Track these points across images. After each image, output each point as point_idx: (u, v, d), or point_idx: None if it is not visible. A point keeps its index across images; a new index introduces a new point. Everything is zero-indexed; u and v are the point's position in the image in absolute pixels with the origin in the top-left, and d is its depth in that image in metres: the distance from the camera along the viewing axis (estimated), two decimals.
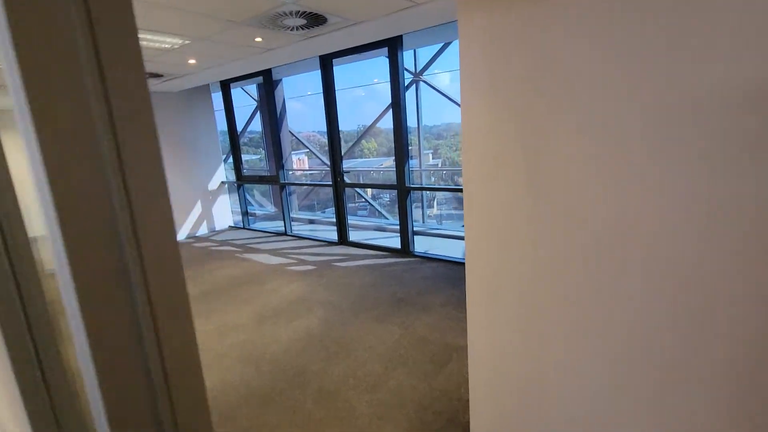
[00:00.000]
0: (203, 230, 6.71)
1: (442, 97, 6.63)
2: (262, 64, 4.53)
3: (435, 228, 6.12)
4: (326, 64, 4.80)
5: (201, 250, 5.64)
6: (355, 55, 4.83)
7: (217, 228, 6.91)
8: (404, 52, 4.30)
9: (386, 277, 4.03)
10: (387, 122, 6.65)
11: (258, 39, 3.25)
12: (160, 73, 4.43)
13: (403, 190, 4.53)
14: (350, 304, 3.45)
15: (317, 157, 8.06)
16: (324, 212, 8.53)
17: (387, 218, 6.90)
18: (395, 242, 4.96)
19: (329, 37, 3.46)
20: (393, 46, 4.14)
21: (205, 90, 6.49)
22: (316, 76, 5.18)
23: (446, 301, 3.39)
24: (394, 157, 4.52)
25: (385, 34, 3.66)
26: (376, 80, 6.92)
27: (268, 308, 3.47)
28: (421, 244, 5.03)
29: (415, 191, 4.68)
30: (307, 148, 8.20)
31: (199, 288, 4.10)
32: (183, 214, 6.40)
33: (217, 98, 6.91)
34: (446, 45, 5.97)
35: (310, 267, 4.52)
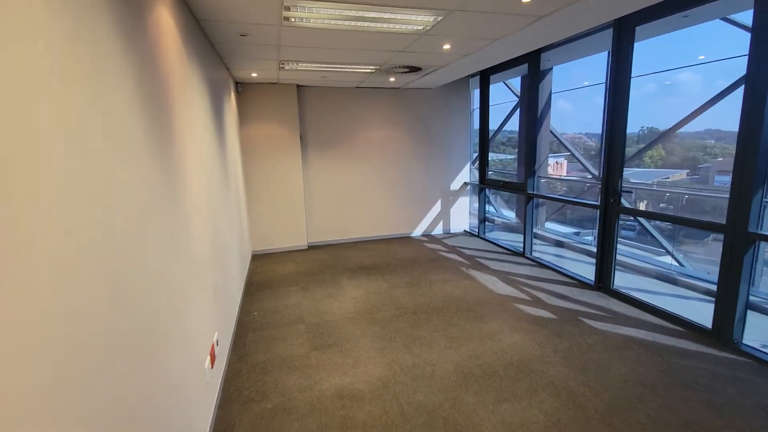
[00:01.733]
0: (438, 230, 6.52)
1: None
2: (529, 43, 3.58)
3: None
4: (624, 32, 3.33)
5: (430, 252, 5.37)
6: (675, 16, 3.15)
7: (452, 230, 6.58)
8: None
9: (678, 378, 2.39)
10: (693, 125, 4.35)
11: None
12: (419, 65, 4.22)
13: (740, 240, 2.62)
14: (604, 409, 2.14)
15: (584, 167, 6.42)
16: (579, 234, 6.81)
17: (681, 264, 4.63)
18: (700, 314, 3.05)
19: None
20: None
21: (463, 86, 6.13)
22: (596, 62, 3.79)
23: None
24: (687, 171, 2.66)
25: None
26: (701, 57, 4.57)
27: (477, 363, 2.62)
28: (756, 330, 2.92)
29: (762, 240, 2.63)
30: (571, 152, 6.65)
31: (415, 301, 3.70)
32: (422, 211, 6.37)
33: (476, 96, 6.44)
34: None
35: (546, 314, 3.35)
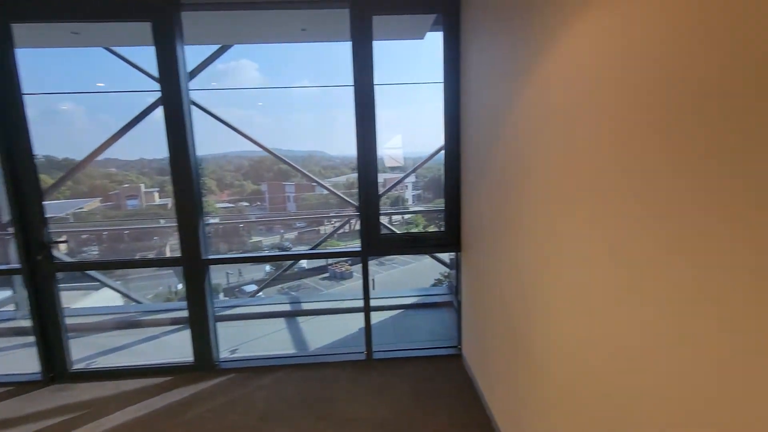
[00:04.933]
0: None
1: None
2: None
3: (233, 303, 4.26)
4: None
5: None
6: (64, 30, 2.67)
7: None
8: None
9: None
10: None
11: None
12: None
13: (196, 265, 2.67)
14: None
15: None
16: None
17: (138, 301, 4.36)
18: (179, 350, 2.93)
19: None
20: None
21: None
22: None
23: None
24: (100, 199, 2.60)
25: None
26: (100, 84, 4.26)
27: None
28: (226, 340, 3.22)
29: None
30: None
31: None
32: None
33: None
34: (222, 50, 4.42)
35: None
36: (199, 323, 2.74)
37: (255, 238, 12.95)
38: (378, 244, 2.72)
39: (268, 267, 11.57)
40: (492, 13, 1.89)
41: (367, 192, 2.65)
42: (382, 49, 2.74)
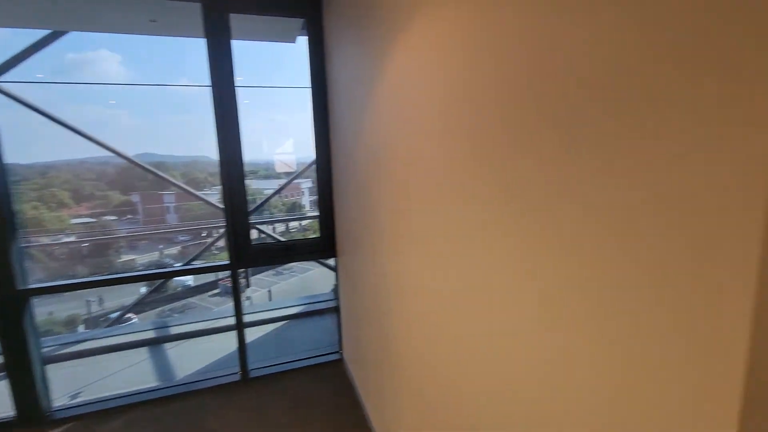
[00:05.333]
0: None
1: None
2: None
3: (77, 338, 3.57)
4: None
5: None
6: None
7: None
8: None
9: None
10: None
11: None
12: None
13: (10, 298, 2.15)
14: None
15: None
16: None
17: None
18: None
19: None
20: None
21: None
22: None
23: None
24: None
25: None
26: None
27: None
28: (59, 381, 2.68)
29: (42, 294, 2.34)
30: None
31: None
32: None
33: None
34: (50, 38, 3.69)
35: None
36: (20, 368, 2.22)
37: (126, 257, 11.22)
38: (249, 255, 2.56)
39: (143, 289, 10.16)
40: (347, 20, 1.93)
41: (233, 201, 2.47)
42: (273, 51, 2.59)
